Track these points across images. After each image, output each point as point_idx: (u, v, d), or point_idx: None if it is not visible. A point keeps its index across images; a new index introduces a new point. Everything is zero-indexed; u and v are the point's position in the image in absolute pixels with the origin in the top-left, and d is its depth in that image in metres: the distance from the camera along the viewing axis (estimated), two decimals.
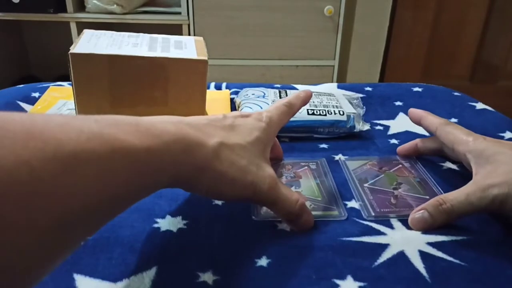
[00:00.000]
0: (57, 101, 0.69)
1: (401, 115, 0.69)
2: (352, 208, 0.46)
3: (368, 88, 0.78)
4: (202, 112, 0.62)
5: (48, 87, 0.74)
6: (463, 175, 0.53)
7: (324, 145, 0.60)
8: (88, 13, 1.62)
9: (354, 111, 0.63)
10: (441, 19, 2.03)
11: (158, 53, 0.58)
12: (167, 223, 0.43)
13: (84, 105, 0.60)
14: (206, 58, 0.59)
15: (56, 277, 0.37)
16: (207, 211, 0.45)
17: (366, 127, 0.62)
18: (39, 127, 0.25)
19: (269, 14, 1.69)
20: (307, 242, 0.41)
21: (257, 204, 0.45)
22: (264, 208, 0.45)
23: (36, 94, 0.71)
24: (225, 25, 1.68)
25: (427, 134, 0.63)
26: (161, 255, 0.39)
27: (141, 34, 0.65)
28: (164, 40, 0.63)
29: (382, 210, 0.46)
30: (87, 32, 0.64)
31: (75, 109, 0.60)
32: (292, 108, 0.49)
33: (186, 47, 0.62)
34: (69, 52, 0.56)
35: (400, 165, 0.54)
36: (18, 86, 0.75)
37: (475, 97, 0.77)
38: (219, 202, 0.47)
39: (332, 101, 0.64)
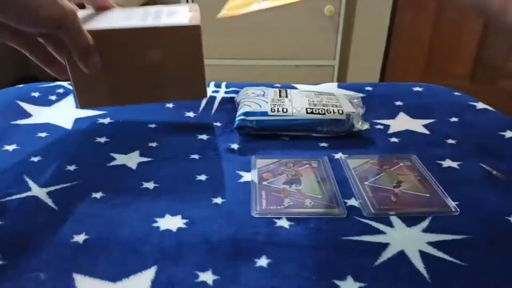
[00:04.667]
0: None
1: (401, 114, 0.69)
2: (352, 206, 0.46)
3: (369, 88, 0.78)
4: (203, 82, 0.59)
5: (48, 86, 0.74)
6: (463, 173, 0.53)
7: (324, 144, 0.60)
8: None
9: (353, 110, 0.63)
10: (441, 19, 2.03)
11: (149, 22, 0.55)
12: (167, 223, 0.43)
13: (82, 90, 0.56)
14: (198, 23, 0.55)
15: (55, 277, 0.36)
16: (206, 210, 0.45)
17: (366, 126, 0.62)
18: None
19: (269, 14, 1.69)
20: (307, 242, 0.41)
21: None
22: (264, 204, 0.45)
23: (36, 94, 0.71)
24: (224, 25, 1.68)
25: (427, 132, 0.63)
26: (160, 254, 0.39)
27: (134, 7, 0.61)
28: (157, 11, 0.60)
29: (382, 207, 0.46)
30: (80, 12, 0.60)
31: (75, 96, 0.56)
32: None
33: (179, 15, 0.58)
34: None
35: (401, 164, 0.54)
36: (18, 86, 0.75)
37: (475, 97, 0.77)
38: (219, 201, 0.47)
39: (332, 100, 0.64)
